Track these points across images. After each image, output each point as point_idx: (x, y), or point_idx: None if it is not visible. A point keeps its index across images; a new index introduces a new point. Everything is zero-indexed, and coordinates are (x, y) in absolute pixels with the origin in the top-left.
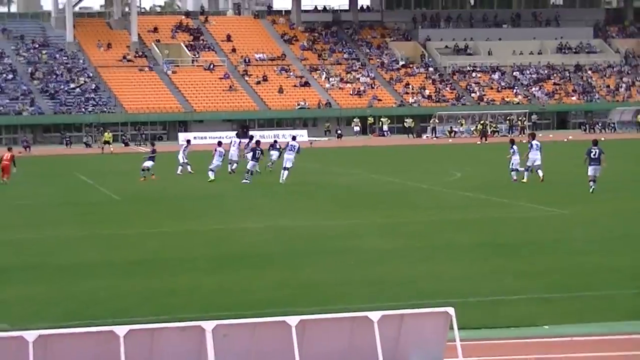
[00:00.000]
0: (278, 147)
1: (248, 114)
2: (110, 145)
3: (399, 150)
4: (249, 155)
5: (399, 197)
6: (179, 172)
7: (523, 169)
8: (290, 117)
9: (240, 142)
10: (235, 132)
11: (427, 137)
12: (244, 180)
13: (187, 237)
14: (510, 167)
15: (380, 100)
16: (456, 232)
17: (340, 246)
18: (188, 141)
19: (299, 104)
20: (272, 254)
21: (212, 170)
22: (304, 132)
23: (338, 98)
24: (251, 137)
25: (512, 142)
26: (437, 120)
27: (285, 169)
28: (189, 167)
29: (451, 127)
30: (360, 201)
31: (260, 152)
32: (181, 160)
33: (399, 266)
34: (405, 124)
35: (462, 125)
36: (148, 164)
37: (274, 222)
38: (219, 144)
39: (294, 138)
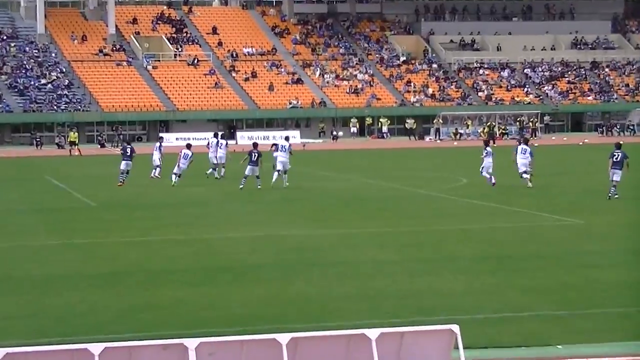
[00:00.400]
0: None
1: (235, 114)
2: (77, 146)
3: (400, 153)
4: (212, 154)
5: (399, 205)
6: (155, 174)
7: (487, 175)
8: (281, 117)
9: (227, 143)
10: (221, 133)
11: (430, 139)
12: (241, 186)
13: (169, 247)
14: (481, 171)
15: (379, 99)
16: (460, 243)
17: (334, 258)
18: (160, 139)
19: (290, 103)
20: (261, 265)
21: (176, 175)
22: (297, 133)
23: (333, 97)
24: (222, 136)
25: (487, 143)
26: (441, 121)
27: (283, 172)
28: (157, 170)
29: (456, 129)
30: (357, 209)
31: (257, 155)
32: (157, 162)
33: (398, 280)
34: (406, 125)
35: (468, 126)
36: (126, 165)
37: (262, 231)
38: (188, 146)
39: (287, 139)
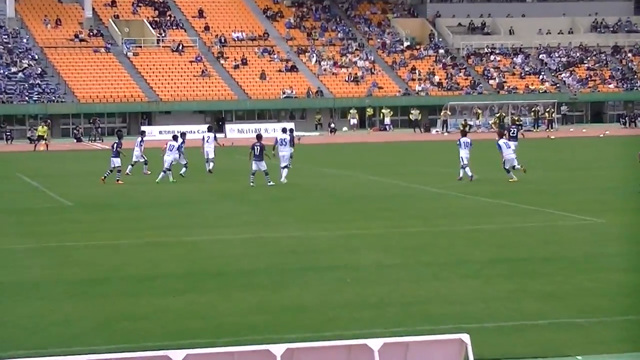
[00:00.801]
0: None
1: (224, 104)
2: (45, 141)
3: (404, 147)
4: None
5: (403, 203)
6: (144, 171)
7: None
8: (274, 107)
9: (215, 136)
10: (207, 126)
11: (436, 131)
12: (270, 183)
13: (151, 251)
14: (461, 163)
15: (381, 88)
16: (471, 244)
17: (333, 261)
18: (142, 133)
19: (284, 93)
20: (253, 270)
21: (169, 170)
22: (291, 125)
23: (331, 85)
24: (209, 129)
25: (464, 133)
26: (448, 112)
27: (285, 167)
28: (144, 167)
29: (465, 120)
30: (357, 208)
31: (260, 148)
32: (134, 159)
33: (402, 285)
34: (411, 116)
35: (478, 117)
36: (117, 161)
37: (254, 233)
38: (175, 137)
39: (284, 131)
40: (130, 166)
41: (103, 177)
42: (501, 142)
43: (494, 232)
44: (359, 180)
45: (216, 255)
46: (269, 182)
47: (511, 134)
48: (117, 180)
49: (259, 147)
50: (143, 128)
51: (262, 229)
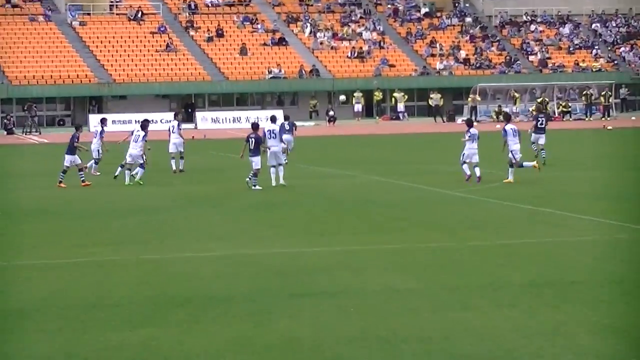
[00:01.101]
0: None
1: (194, 87)
2: None
3: (421, 141)
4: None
5: (421, 211)
6: (93, 171)
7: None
8: (257, 91)
9: (179, 125)
10: (174, 112)
11: (462, 121)
12: (256, 187)
13: (101, 272)
14: (461, 159)
15: (392, 66)
16: (506, 263)
17: (332, 285)
18: (103, 121)
19: (270, 72)
20: (231, 297)
21: (127, 167)
22: (279, 113)
23: (329, 63)
24: (175, 117)
25: (469, 124)
26: (478, 97)
27: (277, 165)
28: (93, 167)
29: (499, 107)
30: (362, 217)
31: (255, 140)
32: (96, 155)
33: (421, 316)
34: (430, 101)
35: (515, 103)
36: (73, 159)
37: (232, 249)
38: (143, 125)
39: (274, 120)
40: (94, 164)
41: (59, 181)
42: (508, 127)
43: (536, 248)
44: (364, 181)
45: (184, 278)
46: (255, 185)
47: (538, 125)
48: (83, 181)
49: (253, 139)
50: (102, 116)
51: (243, 243)
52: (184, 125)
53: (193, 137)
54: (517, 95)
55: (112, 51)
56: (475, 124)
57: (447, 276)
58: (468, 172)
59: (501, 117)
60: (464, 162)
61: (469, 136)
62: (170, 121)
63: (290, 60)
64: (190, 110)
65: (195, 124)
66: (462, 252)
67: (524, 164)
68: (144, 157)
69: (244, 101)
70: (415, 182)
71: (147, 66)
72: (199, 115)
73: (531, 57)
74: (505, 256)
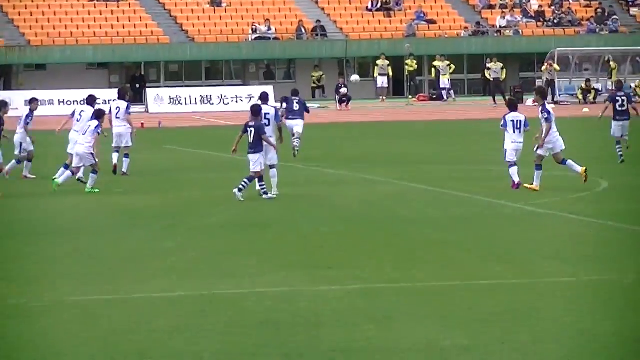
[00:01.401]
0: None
1: (144, 51)
2: None
3: (473, 130)
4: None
5: (474, 232)
6: (25, 172)
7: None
8: (236, 57)
9: (128, 107)
10: (118, 89)
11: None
12: (268, 195)
13: (12, 323)
14: (505, 157)
15: (433, 22)
16: (600, 308)
17: (345, 342)
18: (32, 101)
19: (255, 30)
20: (197, 356)
21: (68, 167)
22: (268, 89)
23: (341, 18)
24: (120, 95)
25: (513, 105)
26: (556, 67)
27: (269, 167)
28: (27, 170)
29: (587, 81)
30: (388, 240)
31: (254, 131)
32: (20, 146)
33: None
34: (487, 74)
35: (611, 76)
36: None
37: (200, 287)
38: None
39: (265, 98)
40: (28, 162)
41: None
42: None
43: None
44: (391, 190)
45: (131, 329)
46: (263, 190)
47: (618, 106)
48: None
49: (252, 130)
50: (31, 94)
51: (215, 279)
52: (127, 105)
53: (142, 124)
54: (613, 65)
55: (26, 1)
56: (552, 106)
57: (514, 329)
58: (516, 181)
59: (579, 96)
60: (511, 164)
61: (508, 123)
62: (112, 101)
63: (284, 13)
64: (138, 86)
65: (146, 106)
66: (536, 294)
67: (572, 167)
68: (95, 157)
69: (216, 73)
70: (464, 190)
71: (76, 22)
72: (150, 93)
73: (633, 10)
74: (596, 296)
